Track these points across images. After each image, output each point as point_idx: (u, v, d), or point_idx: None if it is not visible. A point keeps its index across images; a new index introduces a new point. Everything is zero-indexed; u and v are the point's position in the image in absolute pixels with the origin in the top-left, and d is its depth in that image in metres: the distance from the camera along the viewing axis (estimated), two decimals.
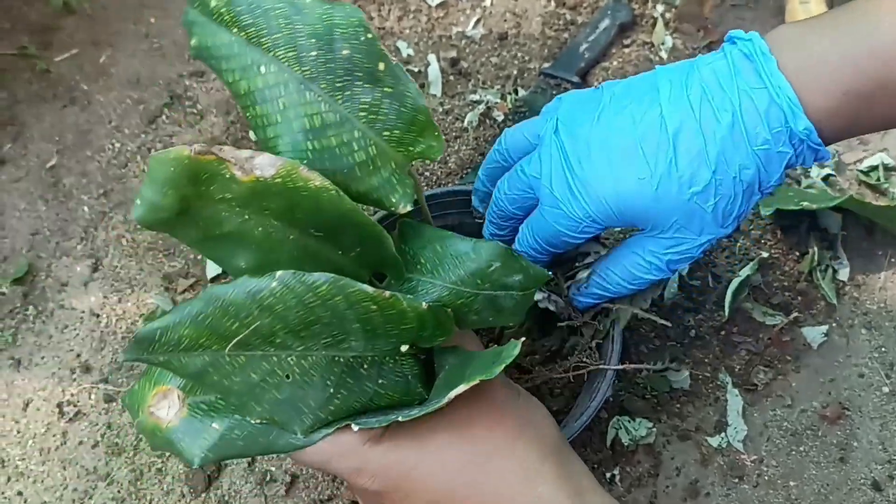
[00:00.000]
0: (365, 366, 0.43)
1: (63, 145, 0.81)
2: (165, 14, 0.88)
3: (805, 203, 0.67)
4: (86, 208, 0.78)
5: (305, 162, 0.41)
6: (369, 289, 0.40)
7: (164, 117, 0.82)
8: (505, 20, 0.84)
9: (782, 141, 0.44)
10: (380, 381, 0.44)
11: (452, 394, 0.38)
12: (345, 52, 0.40)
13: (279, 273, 0.38)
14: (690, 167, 0.45)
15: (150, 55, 0.85)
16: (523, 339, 0.40)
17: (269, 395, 0.41)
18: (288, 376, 0.41)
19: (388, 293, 0.40)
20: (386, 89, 0.41)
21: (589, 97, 0.50)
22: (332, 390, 0.42)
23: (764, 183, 0.46)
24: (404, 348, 0.43)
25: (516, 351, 0.39)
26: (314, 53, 0.41)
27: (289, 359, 0.40)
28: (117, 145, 0.81)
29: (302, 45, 0.40)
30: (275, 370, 0.40)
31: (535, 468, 0.42)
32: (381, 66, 0.41)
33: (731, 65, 0.45)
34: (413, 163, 0.44)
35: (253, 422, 0.41)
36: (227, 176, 0.37)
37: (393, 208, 0.44)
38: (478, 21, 0.85)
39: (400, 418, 0.40)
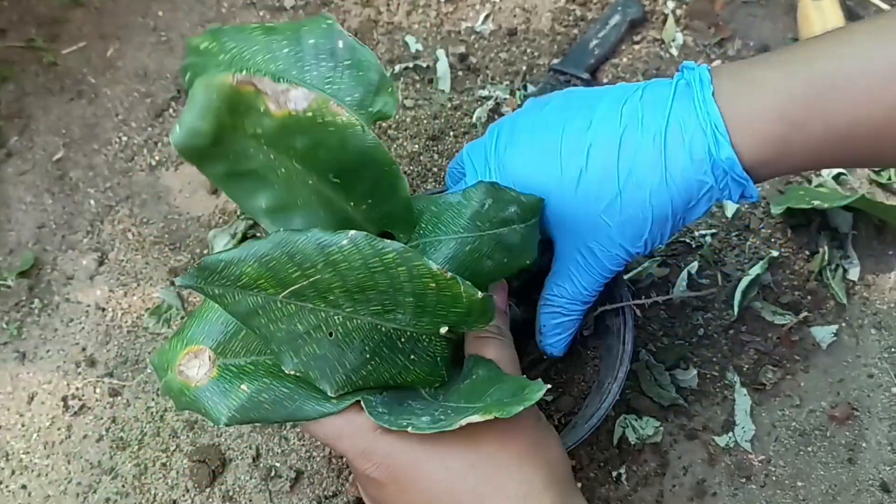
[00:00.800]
0: (402, 339, 0.44)
1: (70, 138, 0.81)
2: (173, 7, 0.87)
3: (816, 202, 0.66)
4: (92, 202, 0.77)
5: (359, 126, 0.43)
6: (434, 266, 0.41)
7: (171, 111, 0.82)
8: (514, 15, 0.84)
9: (703, 169, 0.43)
10: (411, 357, 0.45)
11: (463, 421, 0.39)
12: (310, 41, 0.44)
13: (352, 232, 0.39)
14: (598, 180, 0.45)
15: (158, 48, 0.85)
16: (548, 385, 0.41)
17: (309, 349, 0.41)
18: (331, 334, 0.42)
19: (449, 274, 0.41)
20: (345, 62, 0.44)
21: (544, 98, 0.50)
22: (367, 356, 0.43)
23: (678, 212, 0.46)
24: (443, 330, 0.44)
25: (538, 395, 0.39)
26: (285, 51, 0.44)
27: (336, 317, 0.41)
28: (124, 139, 0.80)
29: (275, 48, 0.45)
30: (320, 325, 0.41)
31: (538, 493, 0.41)
32: (340, 44, 0.44)
33: (672, 91, 0.45)
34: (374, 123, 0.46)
35: (287, 372, 0.42)
36: (262, 109, 0.38)
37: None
38: (487, 16, 0.84)
39: (410, 429, 0.41)
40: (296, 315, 0.41)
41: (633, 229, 0.46)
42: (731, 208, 0.71)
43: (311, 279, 0.39)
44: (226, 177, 0.41)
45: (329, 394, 0.43)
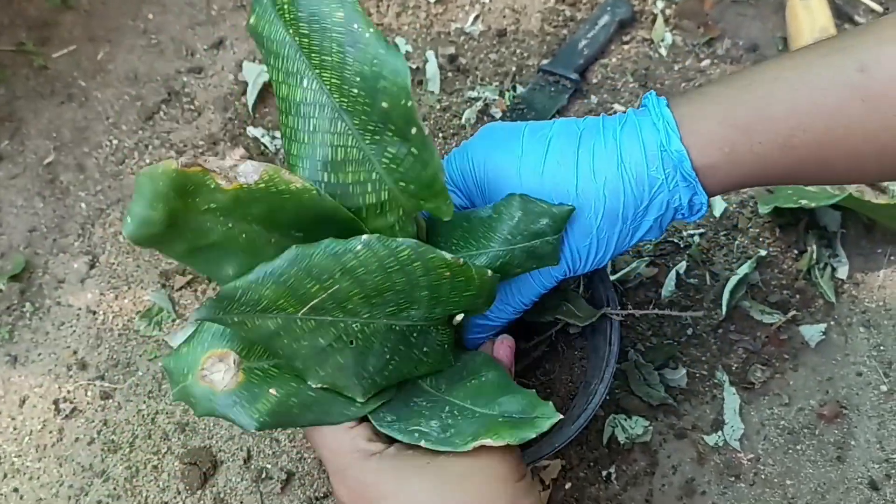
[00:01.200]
0: (415, 334, 0.45)
1: (60, 142, 0.81)
2: (163, 10, 0.87)
3: (804, 201, 0.67)
4: (83, 205, 0.78)
5: (314, 192, 0.41)
6: (448, 256, 0.41)
7: (161, 114, 0.82)
8: (504, 16, 0.84)
9: (655, 165, 0.45)
10: (424, 350, 0.46)
11: (476, 443, 0.40)
12: (384, 104, 0.40)
13: (365, 236, 0.39)
14: (555, 169, 0.46)
15: (148, 51, 0.85)
16: (561, 416, 0.42)
17: (333, 360, 0.42)
18: (352, 342, 0.42)
19: (461, 260, 0.42)
20: (413, 150, 0.41)
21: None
22: (387, 357, 0.43)
23: (629, 211, 0.46)
24: (460, 317, 0.45)
25: (548, 424, 0.41)
26: (356, 91, 0.40)
27: (354, 325, 0.41)
28: (115, 142, 0.80)
29: (347, 77, 0.40)
30: (340, 336, 0.41)
31: None
32: (413, 130, 0.40)
33: (631, 110, 0.48)
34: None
35: (314, 386, 0.42)
36: (213, 186, 0.37)
37: None
38: (476, 17, 0.84)
39: (423, 442, 0.41)
40: (317, 330, 0.40)
41: (583, 223, 0.47)
42: (719, 208, 0.71)
43: (329, 291, 0.39)
44: (187, 253, 0.39)
45: (358, 400, 0.43)
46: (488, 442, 0.40)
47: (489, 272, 0.43)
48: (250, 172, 0.38)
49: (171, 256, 0.39)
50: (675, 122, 0.44)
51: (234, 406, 0.40)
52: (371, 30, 0.39)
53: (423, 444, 0.41)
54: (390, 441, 0.44)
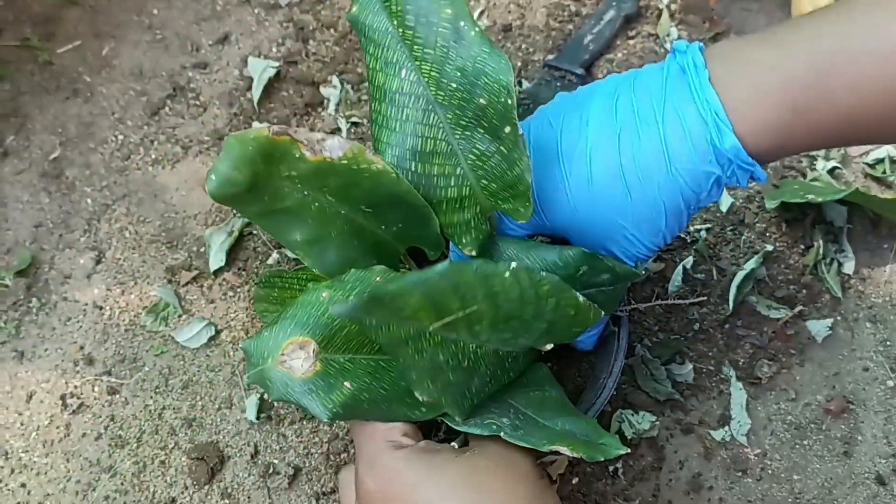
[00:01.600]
0: (509, 360, 0.46)
1: (66, 137, 0.81)
2: (168, 5, 0.87)
3: (810, 196, 0.66)
4: (89, 200, 0.78)
5: (393, 174, 0.42)
6: (580, 297, 0.41)
7: (167, 109, 0.82)
8: (509, 11, 0.84)
9: (708, 159, 0.42)
10: (510, 373, 0.47)
11: (554, 447, 0.41)
12: (481, 100, 0.41)
13: (514, 264, 0.39)
14: (604, 182, 0.44)
15: (153, 47, 0.85)
16: (628, 449, 0.43)
17: (445, 377, 0.42)
18: (465, 362, 0.43)
19: (589, 302, 0.42)
20: (502, 149, 0.42)
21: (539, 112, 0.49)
22: (487, 379, 0.44)
23: (691, 202, 0.44)
24: (550, 346, 0.45)
25: (616, 453, 0.42)
26: (454, 85, 0.41)
27: (470, 346, 0.43)
28: (120, 137, 0.80)
29: (447, 72, 0.41)
30: (457, 354, 0.42)
31: None
32: (507, 129, 0.41)
33: (665, 78, 0.43)
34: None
35: (421, 399, 0.42)
36: (297, 155, 0.39)
37: (460, 248, 0.45)
38: (482, 12, 0.84)
39: (502, 434, 0.42)
40: (440, 346, 0.41)
41: (649, 226, 0.45)
42: (725, 203, 0.71)
43: (467, 311, 0.39)
44: (261, 215, 0.41)
45: (457, 419, 0.43)
46: (564, 449, 0.41)
47: (602, 312, 0.43)
48: (336, 147, 0.39)
49: (245, 215, 0.41)
50: (724, 109, 0.41)
51: (309, 394, 0.41)
52: (476, 29, 0.40)
53: (501, 435, 0.42)
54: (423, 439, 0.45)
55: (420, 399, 0.42)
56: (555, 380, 0.50)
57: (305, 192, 0.41)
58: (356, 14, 0.42)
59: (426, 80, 0.41)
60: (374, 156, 0.40)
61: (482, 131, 0.42)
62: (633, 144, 0.43)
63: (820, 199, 0.66)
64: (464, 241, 0.45)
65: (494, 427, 0.43)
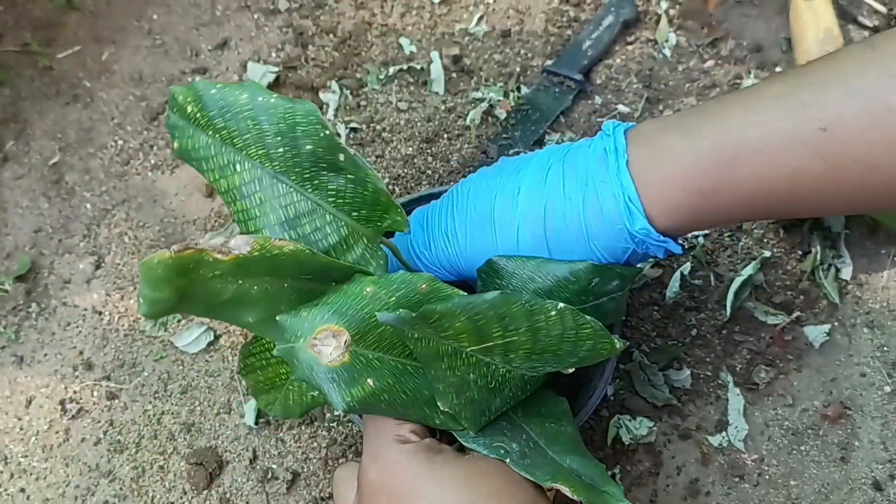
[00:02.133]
0: (531, 382, 0.47)
1: (65, 142, 0.81)
2: (168, 11, 0.88)
3: None
4: (88, 205, 0.78)
5: (307, 251, 0.43)
6: (617, 342, 0.45)
7: (166, 114, 0.82)
8: (508, 17, 0.84)
9: (623, 237, 0.46)
10: (529, 394, 0.48)
11: (556, 485, 0.42)
12: (308, 147, 0.43)
13: (561, 304, 0.42)
14: (529, 250, 0.48)
15: (153, 52, 0.85)
16: (629, 503, 0.44)
17: (470, 394, 0.44)
18: (490, 383, 0.45)
19: (620, 344, 0.45)
20: (349, 176, 0.44)
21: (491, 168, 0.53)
22: (508, 400, 0.46)
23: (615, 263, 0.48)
24: (572, 370, 0.47)
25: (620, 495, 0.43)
26: (281, 150, 0.43)
27: (501, 369, 0.44)
28: (120, 143, 0.81)
29: (269, 142, 0.43)
30: (487, 375, 0.44)
31: None
32: (342, 157, 0.44)
33: (591, 159, 0.47)
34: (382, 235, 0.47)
35: (442, 408, 0.43)
36: (211, 260, 0.39)
37: (369, 278, 0.46)
38: (481, 18, 0.84)
39: (508, 460, 0.44)
40: (473, 366, 0.43)
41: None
42: None
43: (507, 340, 0.42)
44: (207, 311, 0.42)
45: (470, 433, 0.45)
46: (564, 489, 0.42)
47: (618, 343, 0.46)
48: (242, 245, 0.40)
49: (192, 315, 0.42)
50: (637, 192, 0.44)
51: (331, 382, 0.42)
52: (274, 96, 0.43)
53: (507, 461, 0.44)
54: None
55: (441, 408, 0.43)
56: (570, 414, 0.51)
57: (240, 282, 0.42)
58: (178, 148, 0.45)
59: (258, 160, 0.44)
60: (280, 241, 0.41)
61: (325, 172, 0.44)
62: (557, 219, 0.47)
63: None
64: (370, 270, 0.46)
65: (502, 451, 0.44)
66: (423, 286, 0.44)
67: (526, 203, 0.48)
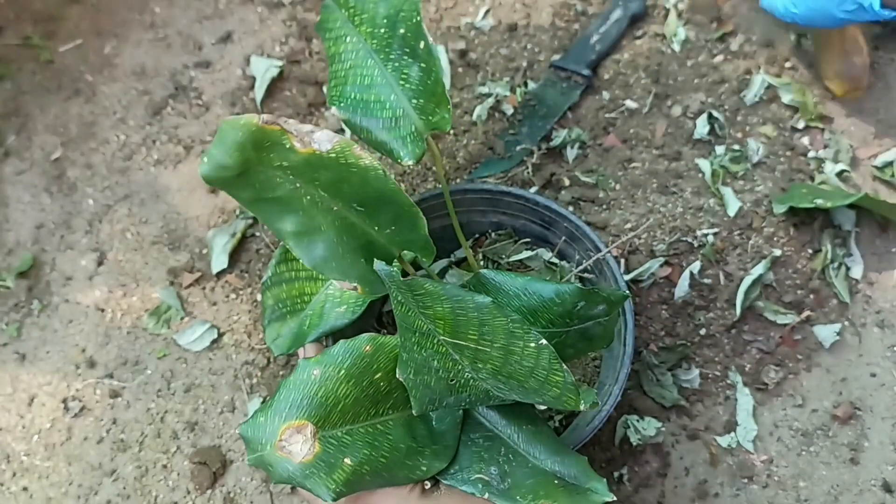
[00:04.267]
0: (494, 401, 0.47)
1: (67, 137, 0.80)
2: (170, 4, 0.87)
3: (819, 200, 0.66)
4: (90, 201, 0.77)
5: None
6: (583, 403, 0.44)
7: (169, 108, 0.81)
8: (514, 11, 0.83)
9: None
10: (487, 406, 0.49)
11: (539, 502, 0.43)
12: (401, 30, 0.51)
13: (543, 341, 0.41)
14: None
15: (155, 45, 0.84)
16: (614, 498, 0.44)
17: (426, 378, 0.44)
18: (451, 380, 0.44)
19: (595, 402, 0.46)
20: (421, 65, 0.50)
21: None
22: (464, 402, 0.46)
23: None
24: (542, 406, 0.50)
25: (601, 501, 0.44)
26: (383, 30, 0.51)
27: (465, 372, 0.44)
28: (122, 137, 0.80)
29: (378, 23, 0.51)
30: (449, 371, 0.44)
31: None
32: (422, 44, 0.50)
33: None
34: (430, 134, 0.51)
35: (398, 376, 0.43)
36: (287, 146, 0.41)
37: (399, 160, 0.50)
38: (487, 12, 0.83)
39: (487, 495, 0.44)
40: (441, 355, 0.43)
41: None
42: (733, 207, 0.70)
43: (479, 347, 0.42)
44: (252, 201, 0.43)
45: (414, 412, 0.44)
46: None
47: (596, 404, 0.46)
48: (324, 140, 0.41)
49: (238, 201, 0.42)
50: None
51: (311, 476, 0.42)
52: None
53: (486, 496, 0.44)
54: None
55: (397, 377, 0.43)
56: (547, 426, 0.51)
57: (297, 184, 0.42)
58: (319, 21, 0.54)
59: (363, 37, 0.51)
60: (360, 151, 0.42)
61: (406, 57, 0.50)
62: None
63: (829, 204, 0.66)
64: (402, 154, 0.49)
65: (481, 486, 0.45)
66: (367, 347, 0.45)
67: None
